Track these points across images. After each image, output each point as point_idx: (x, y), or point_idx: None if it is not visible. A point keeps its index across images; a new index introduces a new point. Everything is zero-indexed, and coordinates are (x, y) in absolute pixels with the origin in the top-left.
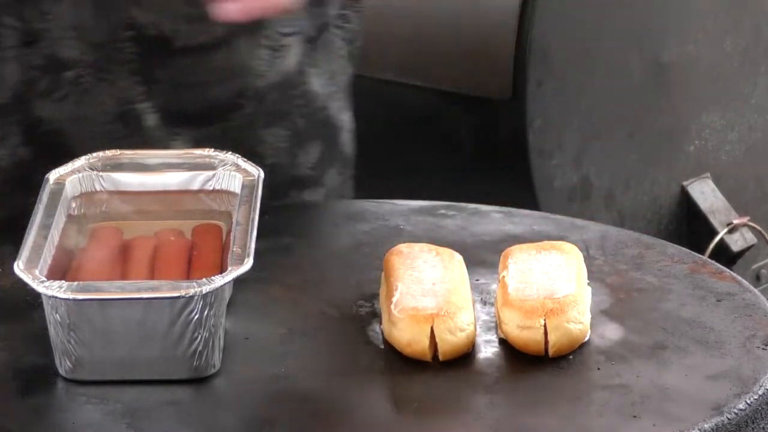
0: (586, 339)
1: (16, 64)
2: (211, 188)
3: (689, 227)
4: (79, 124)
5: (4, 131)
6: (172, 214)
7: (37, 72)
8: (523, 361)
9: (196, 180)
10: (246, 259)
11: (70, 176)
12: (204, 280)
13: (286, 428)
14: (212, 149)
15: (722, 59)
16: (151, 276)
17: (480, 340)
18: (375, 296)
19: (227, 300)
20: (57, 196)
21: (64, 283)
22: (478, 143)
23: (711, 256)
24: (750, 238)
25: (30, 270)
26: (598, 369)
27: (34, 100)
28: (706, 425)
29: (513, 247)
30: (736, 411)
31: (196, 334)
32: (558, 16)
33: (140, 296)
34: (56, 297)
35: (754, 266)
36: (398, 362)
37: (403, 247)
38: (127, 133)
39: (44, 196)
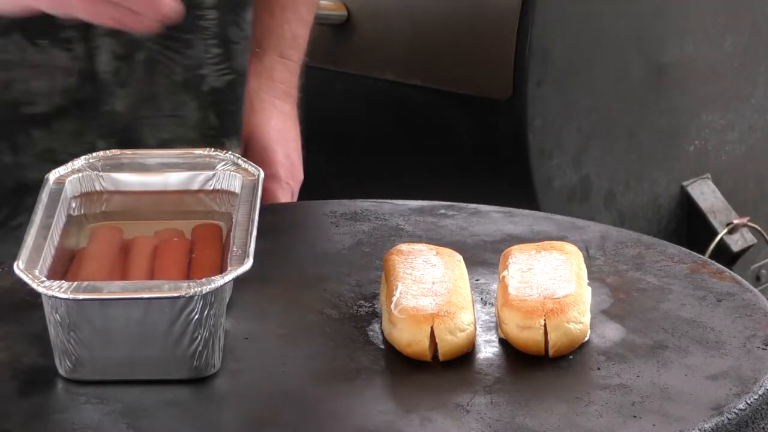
0: (586, 339)
1: (106, 54)
2: (211, 188)
3: (689, 227)
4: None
5: (83, 126)
6: (172, 214)
7: (118, 61)
8: (523, 361)
9: (196, 180)
10: (246, 259)
11: (70, 176)
12: (204, 280)
13: (286, 428)
14: (212, 149)
15: (722, 59)
16: (151, 276)
17: (480, 340)
18: (375, 296)
19: (227, 300)
20: (57, 196)
21: (64, 283)
22: (478, 143)
23: (711, 256)
24: (750, 238)
25: (30, 270)
26: (598, 369)
27: (113, 91)
28: (706, 425)
29: (513, 247)
30: (736, 411)
31: (196, 334)
32: (558, 16)
33: (140, 296)
34: (56, 297)
35: (754, 266)
36: (398, 362)
37: (403, 247)
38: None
39: (44, 196)
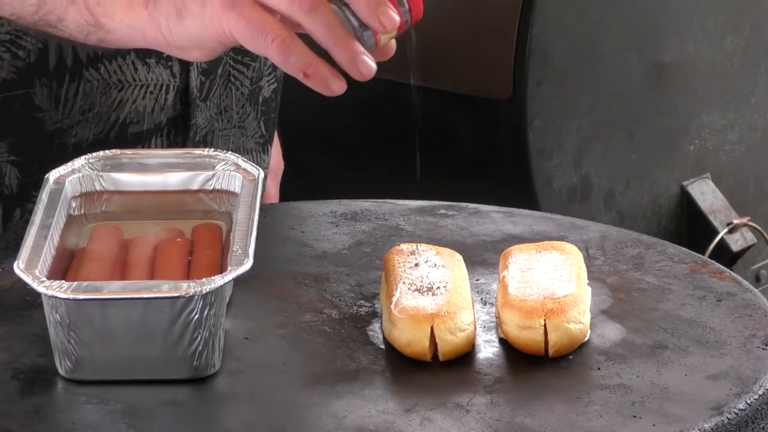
0: (586, 339)
1: (195, 70)
2: (211, 188)
3: (689, 227)
4: None
5: (173, 142)
6: (172, 214)
7: (203, 76)
8: (523, 361)
9: (196, 180)
10: (246, 259)
11: (70, 176)
12: (204, 280)
13: (285, 428)
14: (212, 149)
15: (722, 59)
16: (151, 276)
17: (480, 340)
18: (375, 296)
19: (227, 300)
20: (57, 196)
21: (64, 283)
22: (478, 143)
23: (711, 256)
24: (750, 238)
25: (30, 270)
26: (598, 369)
27: (198, 105)
28: (706, 425)
29: (513, 247)
30: (736, 411)
31: (196, 334)
32: (558, 16)
33: (140, 296)
34: (56, 297)
35: (754, 266)
36: (398, 362)
37: (403, 246)
38: None
39: (44, 196)
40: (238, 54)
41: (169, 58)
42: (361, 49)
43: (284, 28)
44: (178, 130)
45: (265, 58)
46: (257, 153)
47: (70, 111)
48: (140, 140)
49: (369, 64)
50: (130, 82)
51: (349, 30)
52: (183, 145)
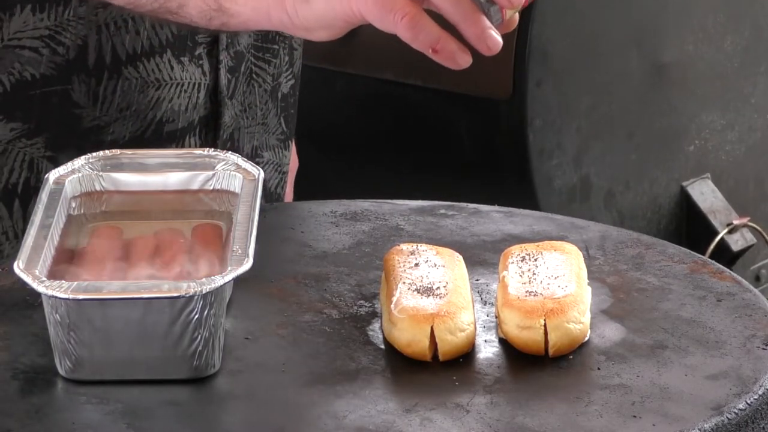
0: (586, 339)
1: (224, 68)
2: (211, 188)
3: (689, 227)
4: None
5: (204, 141)
6: (172, 214)
7: (230, 74)
8: (523, 361)
9: (196, 180)
10: (246, 259)
11: (70, 176)
12: (204, 280)
13: (285, 428)
14: (212, 149)
15: (722, 59)
16: (152, 275)
17: (480, 340)
18: (375, 296)
19: (227, 300)
20: (57, 196)
21: (64, 283)
22: (478, 143)
23: (711, 256)
24: (750, 238)
25: (30, 270)
26: (598, 369)
27: (226, 103)
28: (706, 425)
29: (513, 247)
30: (736, 411)
31: (196, 334)
32: (558, 16)
33: (140, 296)
34: (56, 297)
35: (754, 266)
36: (398, 362)
37: (403, 246)
38: None
39: (44, 196)
40: (259, 51)
41: (200, 56)
42: (489, 23)
43: (412, 4)
44: (208, 129)
45: (284, 55)
46: (279, 149)
47: (108, 108)
48: (175, 139)
49: (496, 38)
50: (167, 80)
51: (476, 5)
52: (214, 144)
